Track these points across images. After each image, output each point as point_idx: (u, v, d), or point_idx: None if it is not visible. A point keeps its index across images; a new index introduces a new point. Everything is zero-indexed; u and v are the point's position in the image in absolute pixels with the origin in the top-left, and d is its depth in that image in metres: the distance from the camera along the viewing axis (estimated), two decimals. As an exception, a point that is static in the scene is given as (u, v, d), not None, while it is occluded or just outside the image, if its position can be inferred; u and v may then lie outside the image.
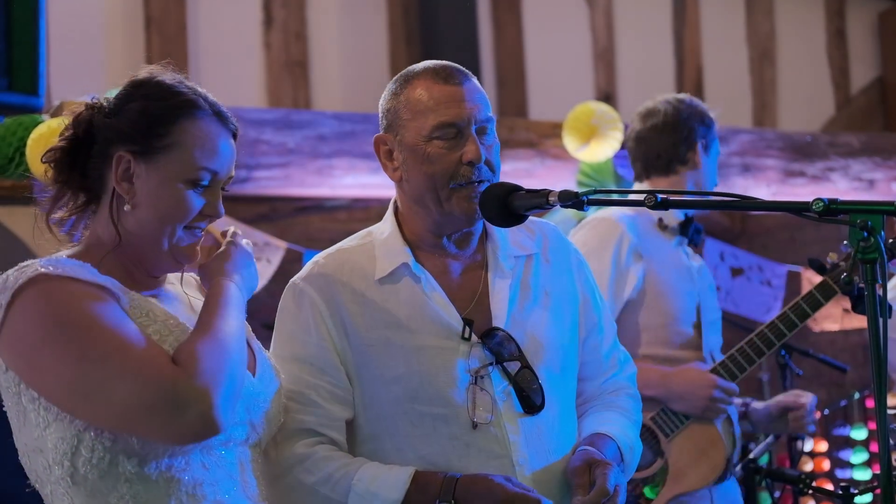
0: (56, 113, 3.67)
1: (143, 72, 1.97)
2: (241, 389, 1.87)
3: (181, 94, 1.93)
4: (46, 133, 3.53)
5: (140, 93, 1.93)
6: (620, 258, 3.10)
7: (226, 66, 5.39)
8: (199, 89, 1.98)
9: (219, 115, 1.96)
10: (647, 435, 3.11)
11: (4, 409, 1.88)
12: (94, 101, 1.96)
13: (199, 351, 1.76)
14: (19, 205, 4.05)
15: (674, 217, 3.25)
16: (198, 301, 2.05)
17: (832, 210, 1.81)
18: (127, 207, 1.90)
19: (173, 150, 1.90)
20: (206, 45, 5.36)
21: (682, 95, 3.37)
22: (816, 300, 3.12)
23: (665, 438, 3.12)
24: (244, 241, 2.09)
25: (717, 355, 3.22)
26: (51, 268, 1.78)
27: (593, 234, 3.14)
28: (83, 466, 1.78)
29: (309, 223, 5.28)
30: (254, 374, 1.98)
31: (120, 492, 1.79)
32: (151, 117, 1.90)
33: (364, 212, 5.19)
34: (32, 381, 1.78)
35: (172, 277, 2.04)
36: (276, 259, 4.57)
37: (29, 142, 3.56)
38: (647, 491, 3.07)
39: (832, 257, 3.12)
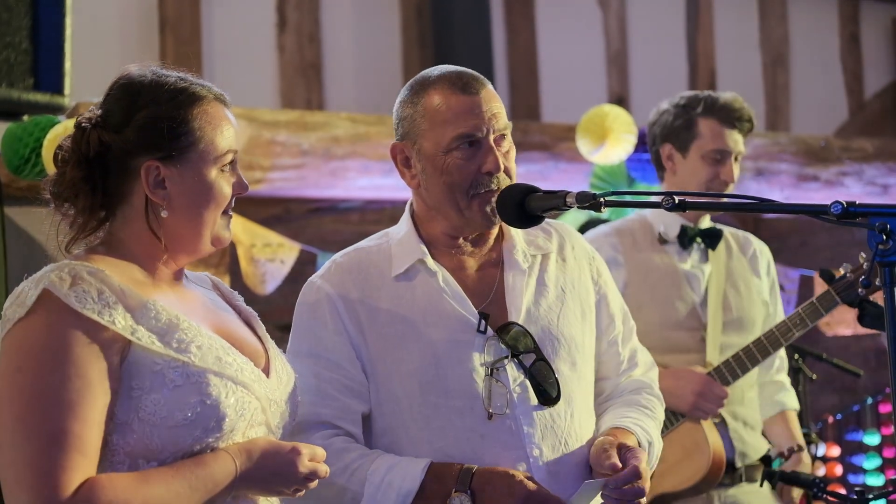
0: (72, 114, 3.68)
1: (123, 77, 1.94)
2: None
3: (184, 90, 1.92)
4: (62, 133, 3.53)
5: (143, 100, 1.90)
6: None
7: (240, 67, 5.40)
8: (188, 76, 1.96)
9: (217, 96, 1.97)
10: None
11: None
12: (89, 117, 1.91)
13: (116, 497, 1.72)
14: (35, 205, 4.07)
15: (672, 228, 3.29)
16: (210, 294, 2.06)
17: (850, 213, 1.81)
18: (164, 213, 1.89)
19: (198, 143, 1.90)
20: (220, 47, 5.37)
21: (684, 94, 3.36)
22: (817, 311, 3.13)
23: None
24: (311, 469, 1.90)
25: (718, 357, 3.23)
26: (56, 286, 1.78)
27: None
28: (105, 469, 1.79)
29: (322, 224, 5.30)
30: (267, 375, 1.98)
31: None
32: (167, 121, 1.88)
33: (377, 213, 5.20)
34: None
35: (188, 273, 2.05)
36: (290, 260, 4.58)
37: (45, 142, 3.57)
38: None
39: (846, 268, 3.12)
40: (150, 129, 1.88)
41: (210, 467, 1.81)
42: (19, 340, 1.78)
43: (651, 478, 3.08)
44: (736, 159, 3.25)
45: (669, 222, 3.30)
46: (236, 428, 1.86)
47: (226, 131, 1.94)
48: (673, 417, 3.15)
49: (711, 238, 3.30)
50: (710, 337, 3.21)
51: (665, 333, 3.21)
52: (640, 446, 2.22)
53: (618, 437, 2.17)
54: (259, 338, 2.06)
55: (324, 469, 1.92)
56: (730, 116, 3.22)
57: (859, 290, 2.77)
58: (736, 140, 3.23)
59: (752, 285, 3.32)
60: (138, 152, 1.88)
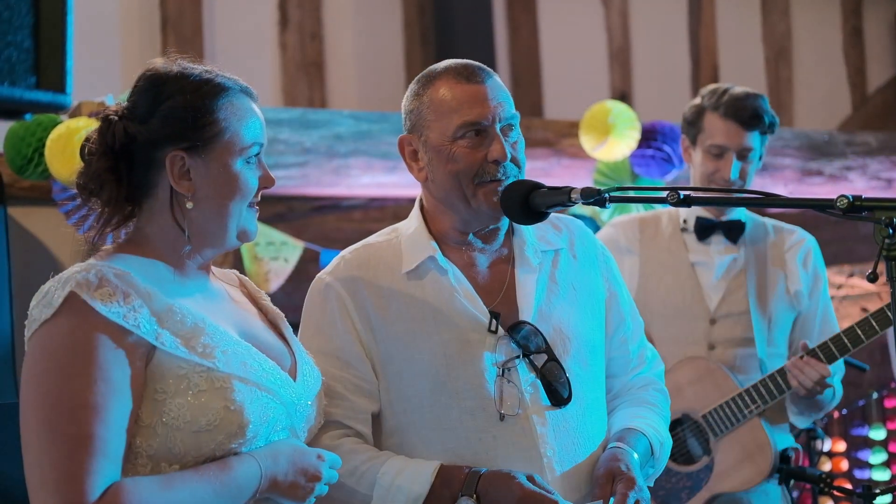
0: (74, 113, 3.68)
1: (150, 69, 1.94)
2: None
3: (209, 80, 1.93)
4: (65, 134, 3.54)
5: (168, 90, 1.90)
6: None
7: (241, 66, 5.35)
8: (213, 68, 1.97)
9: (244, 89, 1.98)
10: (697, 432, 3.15)
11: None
12: (116, 109, 1.92)
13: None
14: (38, 205, 4.06)
15: (692, 219, 3.30)
16: (236, 292, 2.05)
17: (857, 207, 1.81)
18: (189, 204, 1.89)
19: (223, 134, 1.90)
20: (221, 45, 5.36)
21: (710, 86, 3.36)
22: (886, 318, 3.04)
23: (714, 437, 3.14)
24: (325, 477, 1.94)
25: (723, 348, 3.20)
26: (83, 289, 1.77)
27: None
28: (128, 472, 1.78)
29: (325, 223, 5.28)
30: (294, 379, 1.97)
31: None
32: (193, 111, 1.89)
33: (380, 211, 5.19)
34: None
35: (215, 270, 2.04)
36: (293, 258, 4.57)
37: (48, 142, 3.57)
38: None
39: None
40: (174, 118, 1.88)
41: (235, 471, 1.81)
42: (45, 343, 1.77)
43: (710, 478, 3.10)
44: (743, 157, 3.20)
45: (693, 212, 3.29)
46: (259, 434, 1.85)
47: (251, 123, 1.94)
48: (734, 417, 3.12)
49: (733, 230, 3.28)
50: (757, 328, 3.19)
51: (665, 322, 3.21)
52: (651, 447, 2.21)
53: (618, 459, 2.12)
54: (285, 339, 2.05)
55: (337, 478, 1.95)
56: (731, 111, 3.19)
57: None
58: (738, 136, 3.18)
59: (778, 278, 3.27)
60: (163, 143, 1.88)
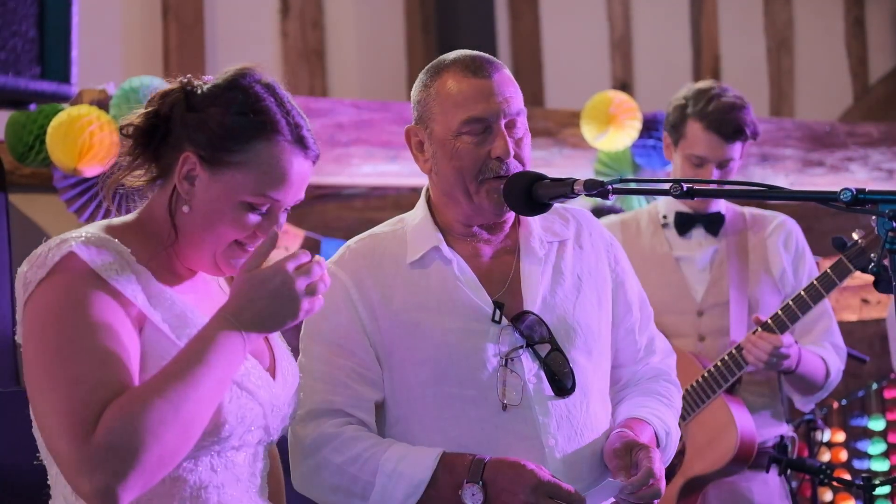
0: (75, 101, 3.68)
1: (246, 69, 1.88)
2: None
3: (265, 114, 1.83)
4: (66, 121, 3.54)
5: (228, 98, 1.84)
6: None
7: (243, 54, 5.37)
8: (289, 105, 1.88)
9: (299, 140, 1.86)
10: None
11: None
12: (198, 84, 1.88)
13: (125, 417, 1.63)
14: (39, 193, 4.06)
15: (672, 214, 3.32)
16: (225, 286, 2.02)
17: (860, 200, 1.81)
18: (186, 208, 1.84)
19: (239, 168, 1.81)
20: (223, 33, 5.35)
21: (696, 86, 3.35)
22: (831, 280, 3.08)
23: (682, 421, 3.15)
24: (310, 266, 1.79)
25: (713, 339, 3.23)
26: (83, 250, 1.75)
27: None
28: None
29: (326, 211, 5.28)
30: (273, 377, 1.94)
31: None
32: (226, 130, 1.82)
33: (381, 200, 5.19)
34: (24, 362, 1.77)
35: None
36: (294, 247, 4.58)
37: (49, 130, 3.57)
38: None
39: (859, 234, 3.05)
40: (208, 126, 1.83)
41: (215, 341, 1.72)
42: (42, 301, 1.73)
43: (684, 462, 3.12)
44: (723, 166, 3.21)
45: (672, 207, 3.32)
46: (234, 434, 1.82)
47: (275, 177, 1.82)
48: (699, 399, 3.15)
49: (712, 223, 3.30)
50: (734, 317, 3.21)
51: (656, 318, 3.23)
52: (656, 437, 2.21)
53: (630, 435, 2.14)
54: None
55: (318, 270, 1.79)
56: (715, 125, 3.18)
57: (871, 255, 2.76)
58: (719, 148, 3.18)
59: (760, 264, 3.29)
60: (189, 140, 1.84)
